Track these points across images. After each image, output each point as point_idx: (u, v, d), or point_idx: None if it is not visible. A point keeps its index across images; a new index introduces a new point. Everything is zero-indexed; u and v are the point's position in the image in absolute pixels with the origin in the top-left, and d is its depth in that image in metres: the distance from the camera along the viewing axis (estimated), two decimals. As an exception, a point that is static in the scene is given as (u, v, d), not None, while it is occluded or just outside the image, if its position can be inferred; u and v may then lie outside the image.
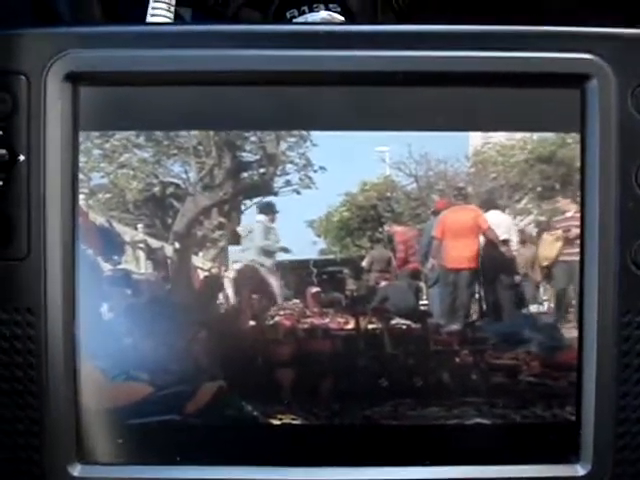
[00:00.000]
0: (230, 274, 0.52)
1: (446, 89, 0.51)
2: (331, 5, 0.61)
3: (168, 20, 0.56)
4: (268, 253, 0.52)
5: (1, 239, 0.49)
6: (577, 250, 0.52)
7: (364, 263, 0.53)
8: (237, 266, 0.52)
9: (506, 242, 0.53)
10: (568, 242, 0.52)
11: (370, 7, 0.71)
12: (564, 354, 0.52)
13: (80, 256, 0.50)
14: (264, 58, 0.50)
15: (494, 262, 0.53)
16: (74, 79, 0.50)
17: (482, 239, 0.54)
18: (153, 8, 0.56)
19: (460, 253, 0.54)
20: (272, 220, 0.52)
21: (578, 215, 0.51)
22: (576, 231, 0.52)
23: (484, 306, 0.53)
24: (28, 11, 0.70)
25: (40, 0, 0.69)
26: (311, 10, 0.61)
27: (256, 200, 0.52)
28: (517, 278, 0.53)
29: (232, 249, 0.52)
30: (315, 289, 0.53)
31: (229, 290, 0.52)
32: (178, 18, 0.70)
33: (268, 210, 0.52)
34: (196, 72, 0.50)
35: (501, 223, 0.53)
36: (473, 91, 0.51)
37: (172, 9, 0.56)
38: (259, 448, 0.52)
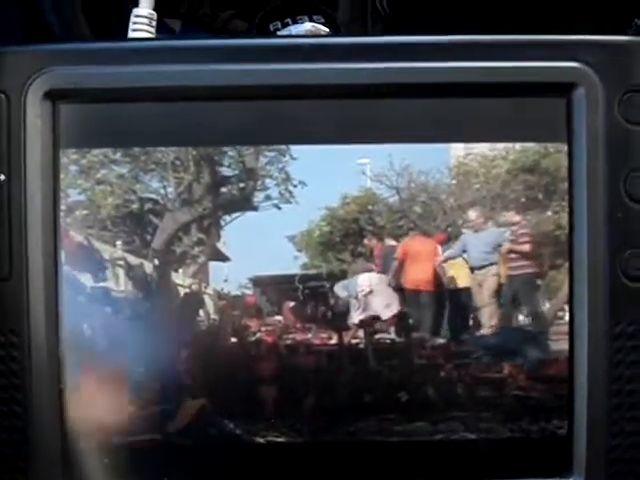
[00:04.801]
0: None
1: (429, 100, 0.50)
2: (315, 17, 0.60)
3: (149, 35, 0.56)
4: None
5: (-18, 260, 0.49)
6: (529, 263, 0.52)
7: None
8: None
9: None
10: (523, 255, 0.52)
11: (360, 17, 0.71)
12: (554, 367, 0.51)
13: (62, 275, 0.50)
14: (245, 72, 0.49)
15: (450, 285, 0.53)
16: (54, 97, 0.49)
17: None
18: (134, 23, 0.56)
19: (418, 276, 0.53)
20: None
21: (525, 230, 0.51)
22: (527, 246, 0.52)
23: (467, 322, 0.53)
24: (20, 27, 0.70)
25: (32, 16, 0.68)
26: (295, 22, 0.60)
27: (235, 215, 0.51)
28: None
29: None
30: (297, 304, 0.52)
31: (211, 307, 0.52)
32: (168, 30, 0.70)
33: None
34: (177, 87, 0.49)
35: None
36: (457, 102, 0.50)
37: (153, 23, 0.56)
38: (243, 467, 0.51)
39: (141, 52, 0.50)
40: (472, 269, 0.53)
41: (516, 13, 0.67)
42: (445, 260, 0.53)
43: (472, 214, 0.52)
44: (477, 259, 0.53)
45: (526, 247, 0.52)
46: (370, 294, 0.53)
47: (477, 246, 0.53)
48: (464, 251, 0.53)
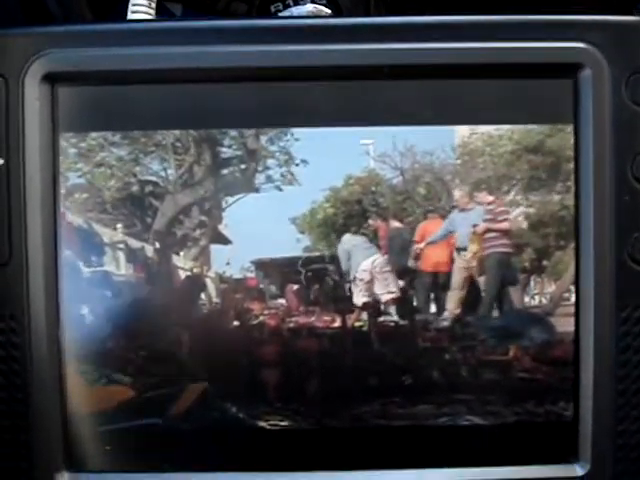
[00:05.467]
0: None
1: (433, 82, 0.50)
2: (317, -3, 0.60)
3: (149, 17, 0.55)
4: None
5: (-19, 244, 0.49)
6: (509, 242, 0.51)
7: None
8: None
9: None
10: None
11: (362, 1, 0.70)
12: (560, 350, 0.51)
13: (62, 259, 0.49)
14: (246, 54, 0.49)
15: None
16: (52, 79, 0.49)
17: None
18: (133, 5, 0.55)
19: (435, 259, 0.53)
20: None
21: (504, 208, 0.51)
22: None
23: (473, 303, 0.52)
24: (18, 9, 0.69)
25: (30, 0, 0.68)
26: (296, 3, 0.60)
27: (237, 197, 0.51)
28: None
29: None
30: (300, 287, 0.52)
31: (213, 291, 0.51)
32: (169, 14, 0.70)
33: None
34: (177, 69, 0.49)
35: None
36: (461, 83, 0.50)
37: (153, 5, 0.55)
38: (246, 452, 0.51)
39: (140, 34, 0.50)
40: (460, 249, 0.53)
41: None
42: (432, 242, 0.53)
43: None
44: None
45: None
46: (373, 276, 0.52)
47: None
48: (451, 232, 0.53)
